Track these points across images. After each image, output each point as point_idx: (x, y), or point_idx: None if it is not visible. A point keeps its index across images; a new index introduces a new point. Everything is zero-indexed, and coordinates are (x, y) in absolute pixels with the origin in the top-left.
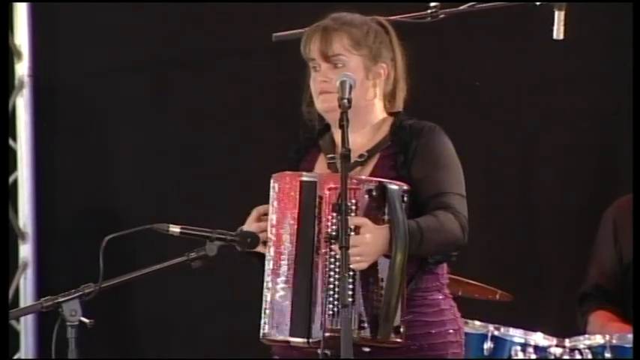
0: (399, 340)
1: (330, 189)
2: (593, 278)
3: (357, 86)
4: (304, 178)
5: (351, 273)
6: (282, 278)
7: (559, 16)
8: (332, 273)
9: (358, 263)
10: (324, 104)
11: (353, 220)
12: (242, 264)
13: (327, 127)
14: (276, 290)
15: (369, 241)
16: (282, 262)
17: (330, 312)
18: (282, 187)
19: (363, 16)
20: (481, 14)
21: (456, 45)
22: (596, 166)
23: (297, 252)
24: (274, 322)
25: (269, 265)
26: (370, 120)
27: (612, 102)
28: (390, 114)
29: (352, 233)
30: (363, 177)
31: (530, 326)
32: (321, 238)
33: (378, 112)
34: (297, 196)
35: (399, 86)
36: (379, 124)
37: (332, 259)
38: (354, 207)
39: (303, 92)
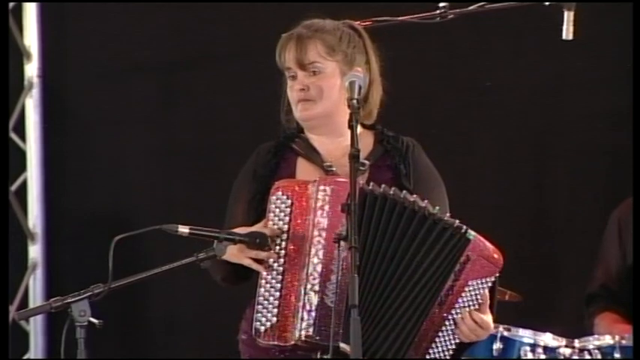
0: None
1: None
2: (599, 279)
3: (335, 92)
4: (368, 189)
5: (355, 275)
6: (333, 284)
7: (568, 17)
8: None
9: (473, 335)
10: (303, 112)
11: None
12: None
13: (298, 131)
14: (327, 295)
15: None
16: (332, 268)
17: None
18: (337, 192)
19: (334, 22)
20: (490, 14)
21: (465, 45)
22: (609, 167)
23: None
24: (322, 326)
25: (316, 268)
26: (345, 127)
27: (626, 102)
28: (364, 125)
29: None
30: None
31: (539, 327)
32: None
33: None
34: None
35: (374, 90)
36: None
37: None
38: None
39: (280, 101)
